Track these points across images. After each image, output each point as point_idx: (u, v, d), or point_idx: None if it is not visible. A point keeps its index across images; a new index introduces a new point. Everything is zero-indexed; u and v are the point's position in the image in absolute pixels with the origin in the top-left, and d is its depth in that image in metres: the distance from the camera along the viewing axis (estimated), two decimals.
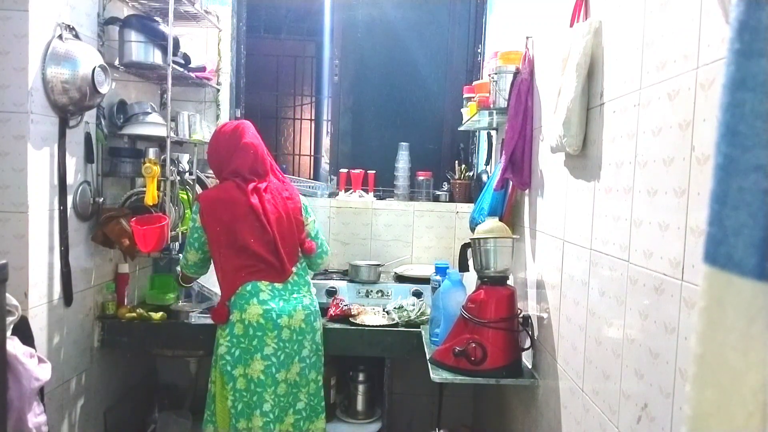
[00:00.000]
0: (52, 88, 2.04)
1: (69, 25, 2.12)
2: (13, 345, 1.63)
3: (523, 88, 1.94)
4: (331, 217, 3.05)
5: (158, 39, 2.46)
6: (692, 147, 0.94)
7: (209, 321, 2.44)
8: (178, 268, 2.32)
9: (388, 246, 3.06)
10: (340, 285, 2.74)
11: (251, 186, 2.14)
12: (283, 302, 2.12)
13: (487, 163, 2.87)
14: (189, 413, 2.74)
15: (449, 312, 2.05)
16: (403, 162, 3.13)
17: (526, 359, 1.95)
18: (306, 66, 3.68)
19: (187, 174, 2.49)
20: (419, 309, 2.49)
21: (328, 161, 3.40)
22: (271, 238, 2.12)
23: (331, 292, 2.68)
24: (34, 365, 1.69)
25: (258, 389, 2.05)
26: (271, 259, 2.13)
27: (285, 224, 2.18)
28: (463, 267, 2.29)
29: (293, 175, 3.55)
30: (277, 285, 2.14)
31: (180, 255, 2.52)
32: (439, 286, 2.25)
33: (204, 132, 2.79)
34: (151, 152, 2.44)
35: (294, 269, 2.20)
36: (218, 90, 2.98)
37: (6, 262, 1.54)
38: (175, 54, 2.48)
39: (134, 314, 2.46)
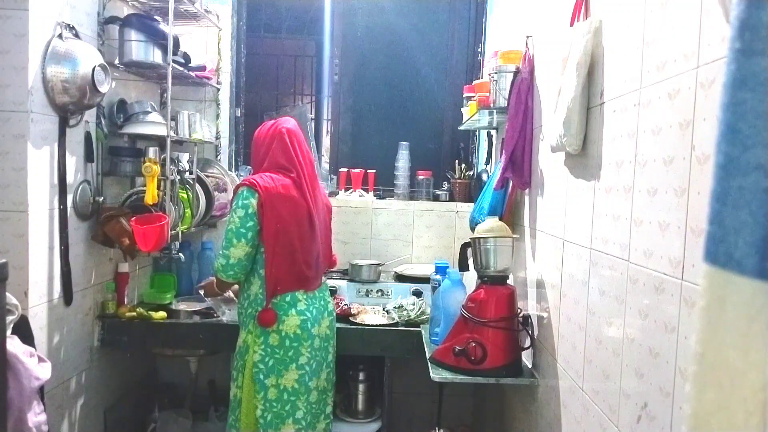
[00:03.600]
0: (52, 87, 2.03)
1: (69, 24, 2.12)
2: (13, 344, 1.63)
3: (523, 87, 1.94)
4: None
5: (158, 38, 2.45)
6: (692, 146, 0.94)
7: (211, 321, 2.45)
8: (208, 278, 2.24)
9: (388, 245, 3.06)
10: (340, 284, 2.74)
11: (305, 184, 2.04)
12: (315, 310, 2.09)
13: (487, 162, 2.87)
14: (189, 412, 2.74)
15: (449, 311, 2.05)
16: (403, 161, 3.13)
17: (526, 359, 1.95)
18: (306, 65, 3.68)
19: (187, 173, 2.49)
20: (419, 308, 2.49)
21: (328, 160, 3.40)
22: (318, 246, 2.09)
23: (332, 292, 2.66)
24: (34, 364, 1.68)
25: (291, 398, 2.03)
26: (313, 266, 2.08)
27: (324, 233, 2.16)
28: (463, 266, 2.29)
29: None
30: (310, 293, 2.10)
31: (181, 255, 2.53)
32: (439, 285, 2.25)
33: (204, 131, 2.79)
34: (151, 151, 2.44)
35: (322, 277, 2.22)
36: (218, 89, 2.98)
37: (6, 261, 1.54)
38: (175, 53, 2.47)
39: (134, 313, 2.46)
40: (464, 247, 2.24)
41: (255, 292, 2.06)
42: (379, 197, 3.14)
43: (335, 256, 2.32)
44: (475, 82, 2.48)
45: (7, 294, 1.59)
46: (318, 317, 2.09)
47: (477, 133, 3.14)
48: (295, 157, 2.06)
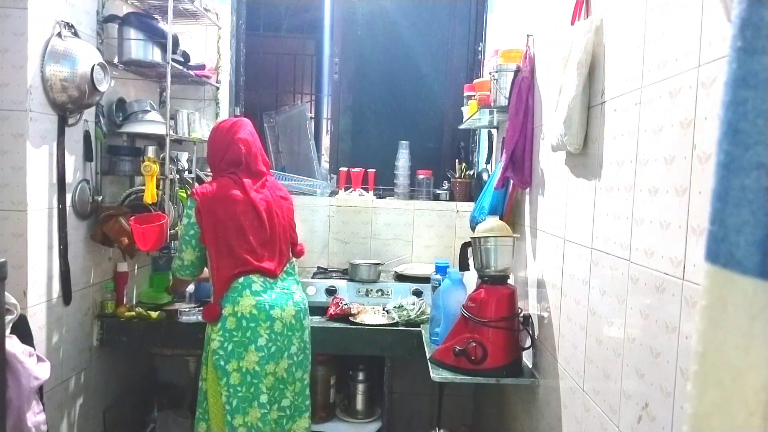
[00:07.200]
0: (51, 86, 2.03)
1: (68, 23, 2.12)
2: (12, 344, 1.63)
3: (524, 86, 1.94)
4: (330, 216, 3.05)
5: (157, 37, 2.45)
6: (693, 145, 0.94)
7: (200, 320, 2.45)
8: (170, 276, 2.31)
9: (388, 245, 3.05)
10: (340, 284, 2.73)
11: (247, 182, 2.13)
12: (276, 295, 2.10)
13: (488, 161, 2.87)
14: (188, 412, 2.73)
15: (449, 311, 2.05)
16: (403, 160, 3.12)
17: (527, 358, 1.95)
18: (306, 64, 3.67)
19: (187, 172, 2.48)
20: (419, 308, 2.48)
21: (327, 159, 3.39)
22: (267, 235, 2.12)
23: (331, 291, 2.67)
24: (33, 364, 1.68)
25: (254, 381, 2.03)
26: (266, 256, 2.12)
27: (279, 222, 2.17)
28: (464, 266, 2.29)
29: (293, 173, 3.53)
30: (269, 279, 2.13)
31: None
32: (440, 285, 2.25)
33: (203, 130, 2.79)
34: (150, 150, 2.44)
35: (283, 267, 2.20)
36: (218, 88, 2.97)
37: (5, 260, 1.53)
38: (174, 52, 2.47)
39: (133, 313, 2.45)
40: (464, 246, 2.23)
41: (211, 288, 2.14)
42: (379, 196, 3.13)
43: (301, 245, 2.31)
44: (475, 81, 2.48)
45: (6, 293, 1.59)
46: (280, 302, 2.10)
47: (477, 132, 3.14)
48: (243, 158, 2.16)
